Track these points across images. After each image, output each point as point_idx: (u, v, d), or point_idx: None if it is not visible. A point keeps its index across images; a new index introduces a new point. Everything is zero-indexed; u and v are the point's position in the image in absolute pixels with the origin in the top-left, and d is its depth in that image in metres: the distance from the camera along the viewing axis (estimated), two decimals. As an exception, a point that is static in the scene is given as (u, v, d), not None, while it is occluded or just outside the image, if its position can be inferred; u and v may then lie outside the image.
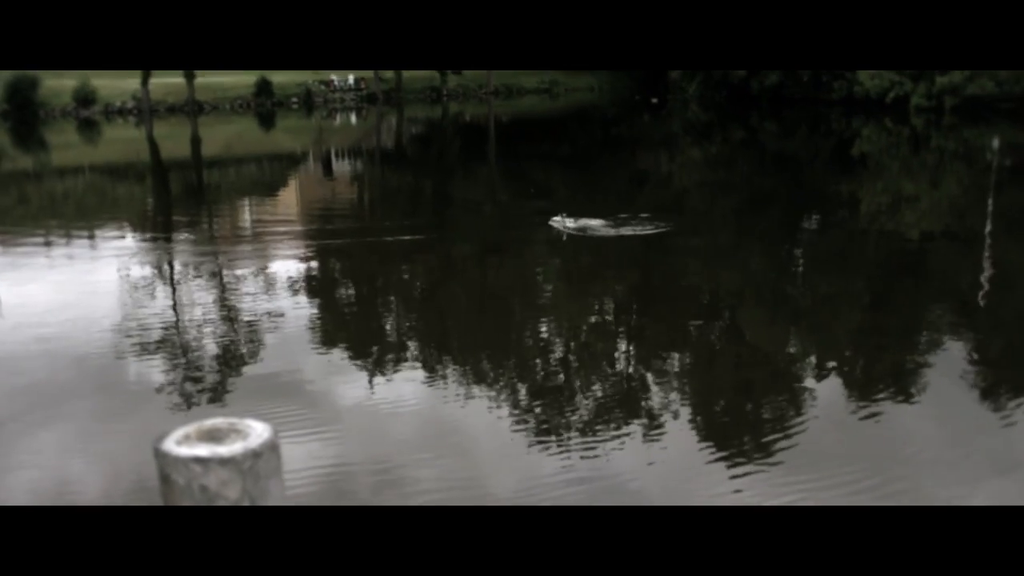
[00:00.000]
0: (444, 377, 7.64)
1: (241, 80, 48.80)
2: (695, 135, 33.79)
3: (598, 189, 18.79)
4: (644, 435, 6.34)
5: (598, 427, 6.50)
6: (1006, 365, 7.84)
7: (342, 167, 27.90)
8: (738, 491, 5.39)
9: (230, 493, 1.41)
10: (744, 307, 10.00)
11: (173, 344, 8.66)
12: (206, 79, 46.79)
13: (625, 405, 6.97)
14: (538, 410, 6.88)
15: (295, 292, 10.58)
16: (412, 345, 8.70)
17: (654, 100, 48.44)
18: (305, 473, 5.57)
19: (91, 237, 15.43)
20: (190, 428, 1.47)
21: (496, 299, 10.68)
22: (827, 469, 5.63)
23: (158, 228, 16.36)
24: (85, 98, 44.89)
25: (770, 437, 6.22)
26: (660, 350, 8.51)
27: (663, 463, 5.94)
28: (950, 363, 7.64)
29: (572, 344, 8.78)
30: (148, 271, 11.94)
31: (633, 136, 34.83)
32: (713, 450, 6.06)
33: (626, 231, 13.00)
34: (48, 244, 14.60)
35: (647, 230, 13.07)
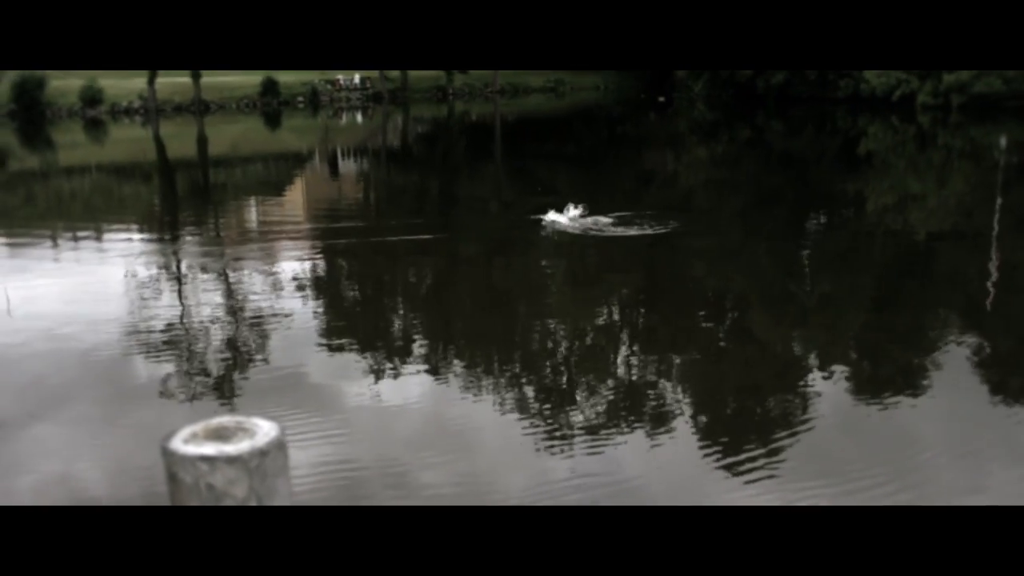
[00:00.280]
0: (451, 377, 7.64)
1: (247, 80, 48.91)
2: (701, 134, 33.75)
3: (604, 188, 18.78)
4: (651, 435, 6.33)
5: (606, 427, 6.49)
6: (1016, 364, 7.81)
7: (348, 166, 27.93)
8: (747, 491, 5.38)
9: (237, 491, 1.41)
10: (751, 307, 9.98)
11: (180, 343, 8.68)
12: (212, 79, 46.90)
13: (632, 405, 6.96)
14: (545, 410, 6.87)
15: (302, 292, 10.59)
16: (419, 345, 8.70)
17: (661, 99, 48.40)
18: (312, 473, 5.57)
19: (98, 237, 15.48)
20: (197, 427, 1.47)
21: (503, 298, 10.68)
22: (837, 470, 5.62)
23: (165, 227, 16.39)
24: (92, 98, 45.04)
25: (778, 437, 6.21)
26: (666, 350, 8.50)
27: (670, 463, 5.94)
28: (959, 362, 7.62)
29: (579, 344, 8.77)
30: (155, 270, 11.97)
31: (639, 135, 34.81)
32: (720, 450, 6.05)
33: (632, 230, 12.99)
34: (55, 244, 14.65)
35: (653, 229, 13.06)
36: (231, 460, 1.40)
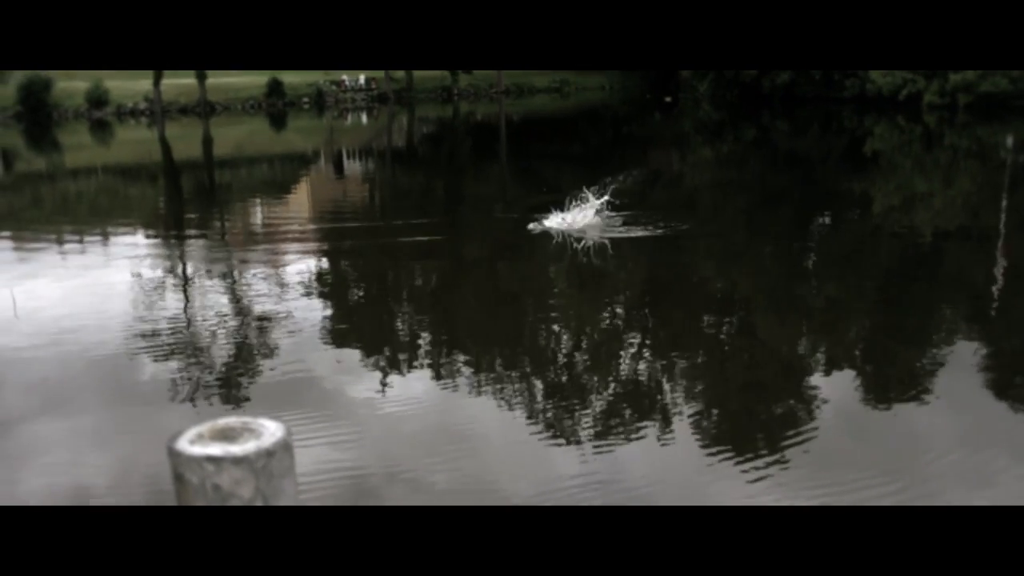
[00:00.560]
0: (457, 377, 7.64)
1: (253, 80, 48.96)
2: (707, 134, 33.71)
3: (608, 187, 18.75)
4: (658, 435, 6.33)
5: (612, 427, 6.49)
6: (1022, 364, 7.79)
7: (353, 167, 27.95)
8: (753, 491, 5.37)
9: (243, 492, 1.42)
10: (757, 307, 9.97)
11: (186, 344, 8.70)
12: (218, 80, 46.97)
13: (639, 405, 6.95)
14: (551, 411, 6.87)
15: (307, 292, 10.60)
16: (424, 345, 8.70)
17: (668, 99, 48.35)
18: (318, 473, 5.58)
19: (104, 238, 15.51)
20: (203, 427, 1.47)
21: (508, 299, 10.68)
22: (842, 470, 5.61)
23: (171, 228, 16.42)
24: (98, 99, 45.13)
25: (783, 438, 6.20)
26: (672, 350, 8.49)
27: (675, 464, 5.93)
28: (966, 362, 7.60)
29: (585, 344, 8.77)
30: (161, 272, 12.00)
31: (644, 135, 34.77)
32: (726, 451, 6.04)
33: (637, 231, 12.97)
34: (62, 245, 14.69)
35: (659, 229, 13.04)
36: (237, 461, 1.41)
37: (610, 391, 7.32)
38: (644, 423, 6.53)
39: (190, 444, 1.43)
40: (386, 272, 12.12)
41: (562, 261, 12.21)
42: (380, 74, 52.85)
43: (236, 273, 11.79)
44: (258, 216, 18.31)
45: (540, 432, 6.41)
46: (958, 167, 21.98)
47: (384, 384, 7.42)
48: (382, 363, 8.06)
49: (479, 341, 8.85)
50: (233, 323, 9.38)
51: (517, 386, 7.46)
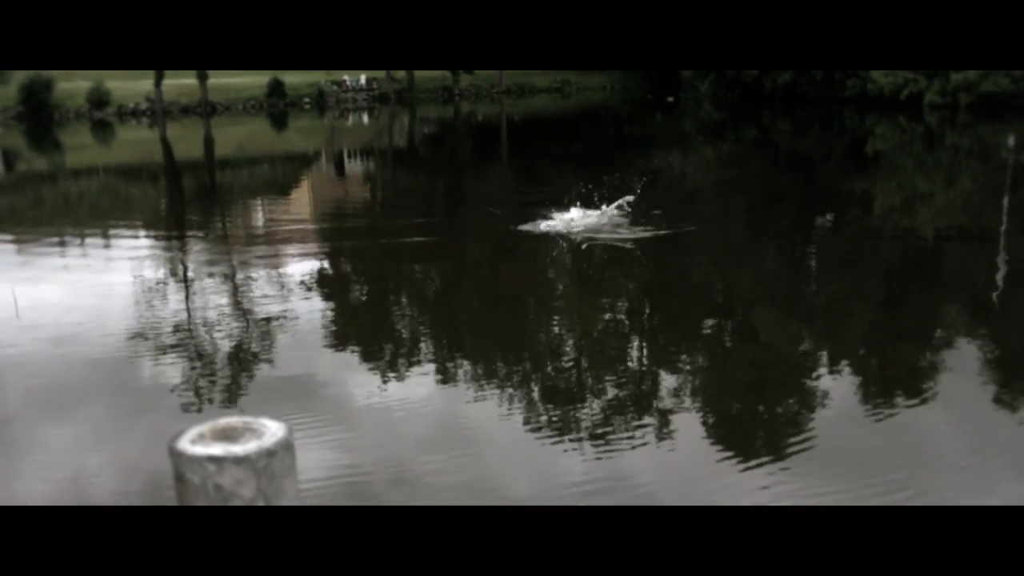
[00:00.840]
0: (458, 377, 7.64)
1: (254, 81, 48.97)
2: (708, 134, 33.69)
3: (610, 188, 18.74)
4: (659, 436, 6.32)
5: (614, 427, 6.48)
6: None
7: (354, 167, 27.95)
8: (754, 491, 5.37)
9: (245, 492, 1.42)
10: (758, 306, 9.97)
11: (187, 345, 8.70)
12: (219, 80, 46.98)
13: (641, 405, 6.95)
14: (553, 411, 6.87)
15: (309, 293, 10.60)
16: (425, 346, 8.70)
17: (670, 99, 48.31)
18: (320, 473, 5.58)
19: (105, 238, 15.51)
20: (205, 427, 1.47)
21: (510, 299, 10.68)
22: (844, 470, 5.61)
23: (172, 229, 16.43)
24: (99, 100, 45.15)
25: (785, 437, 6.20)
26: (674, 350, 8.49)
27: (679, 463, 5.93)
28: (967, 363, 7.59)
29: (587, 344, 8.76)
30: (162, 272, 12.00)
31: (646, 135, 34.75)
32: (728, 451, 6.04)
33: (639, 231, 12.97)
34: (63, 246, 14.69)
35: (661, 229, 13.04)
36: (239, 460, 1.41)
37: (612, 391, 7.31)
38: (645, 423, 6.53)
39: (191, 444, 1.43)
40: (387, 272, 12.12)
41: (564, 262, 12.20)
42: (381, 74, 52.85)
43: (237, 273, 11.79)
44: (259, 216, 18.31)
45: (540, 432, 6.41)
46: (959, 167, 21.97)
47: (384, 384, 7.42)
48: (382, 363, 8.05)
49: (480, 341, 8.85)
50: (234, 323, 9.38)
51: (518, 386, 7.45)
